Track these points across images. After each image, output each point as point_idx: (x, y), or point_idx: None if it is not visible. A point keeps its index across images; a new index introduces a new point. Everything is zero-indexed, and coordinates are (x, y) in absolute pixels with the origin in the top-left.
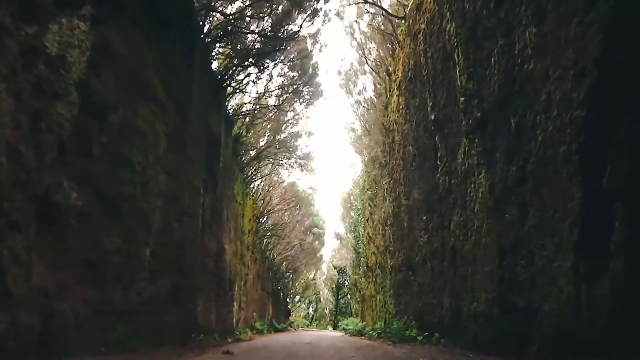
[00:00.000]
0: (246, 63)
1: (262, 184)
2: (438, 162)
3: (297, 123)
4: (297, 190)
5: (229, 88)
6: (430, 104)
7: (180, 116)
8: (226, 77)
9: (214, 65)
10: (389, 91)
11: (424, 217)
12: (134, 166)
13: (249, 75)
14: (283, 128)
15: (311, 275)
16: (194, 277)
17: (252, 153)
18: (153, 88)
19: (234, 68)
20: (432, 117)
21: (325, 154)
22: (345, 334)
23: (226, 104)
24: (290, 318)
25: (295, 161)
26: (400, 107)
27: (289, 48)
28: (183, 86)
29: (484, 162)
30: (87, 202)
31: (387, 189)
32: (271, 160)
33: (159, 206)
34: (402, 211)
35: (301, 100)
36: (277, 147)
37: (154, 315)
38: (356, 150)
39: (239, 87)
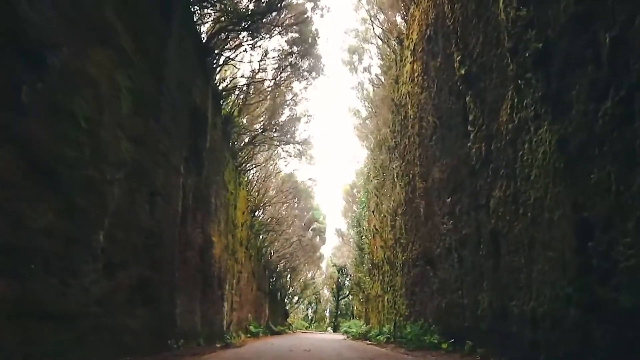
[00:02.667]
0: (237, 28)
1: (258, 173)
2: (469, 127)
3: (296, 105)
4: (296, 182)
5: (221, 58)
6: (459, 57)
7: (152, 75)
8: (215, 42)
9: (202, 30)
10: (401, 61)
11: (448, 200)
12: (78, 122)
13: (241, 44)
14: (280, 110)
15: (310, 275)
16: (171, 272)
17: (246, 139)
18: (113, 32)
19: (225, 33)
20: (462, 72)
21: (325, 143)
22: (348, 337)
23: (215, 76)
24: (288, 320)
25: (294, 147)
26: (416, 74)
27: (285, 13)
28: (157, 41)
29: (546, 110)
30: (8, 166)
31: (397, 174)
32: (267, 145)
33: (119, 179)
34: (417, 196)
35: (300, 77)
36: (274, 130)
37: (109, 318)
38: (360, 136)
39: (231, 57)
